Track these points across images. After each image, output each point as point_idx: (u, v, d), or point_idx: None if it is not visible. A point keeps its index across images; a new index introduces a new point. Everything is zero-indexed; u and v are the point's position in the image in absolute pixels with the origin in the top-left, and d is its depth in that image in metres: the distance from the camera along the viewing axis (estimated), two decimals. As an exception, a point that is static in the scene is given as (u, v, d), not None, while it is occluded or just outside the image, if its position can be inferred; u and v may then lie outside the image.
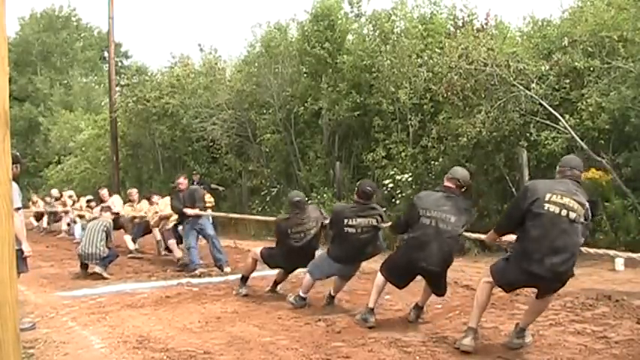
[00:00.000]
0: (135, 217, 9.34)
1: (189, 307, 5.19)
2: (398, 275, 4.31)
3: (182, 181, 7.61)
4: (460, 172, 4.32)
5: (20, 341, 1.91)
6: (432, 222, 4.03)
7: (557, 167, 3.66)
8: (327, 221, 5.24)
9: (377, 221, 4.76)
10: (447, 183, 4.25)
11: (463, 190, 4.27)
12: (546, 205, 3.35)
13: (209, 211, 8.25)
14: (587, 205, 3.41)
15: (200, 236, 7.32)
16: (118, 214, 9.36)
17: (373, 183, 5.26)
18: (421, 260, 4.04)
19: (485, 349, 3.74)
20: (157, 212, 8.59)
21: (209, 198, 11.59)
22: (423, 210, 4.09)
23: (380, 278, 4.39)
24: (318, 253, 5.27)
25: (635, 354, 3.53)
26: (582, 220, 3.39)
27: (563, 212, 3.34)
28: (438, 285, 4.32)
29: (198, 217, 7.24)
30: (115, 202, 10.21)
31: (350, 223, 4.72)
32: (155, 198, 9.06)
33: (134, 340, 4.05)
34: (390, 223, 4.77)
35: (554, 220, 3.34)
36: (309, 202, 10.83)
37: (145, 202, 9.58)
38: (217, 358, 3.68)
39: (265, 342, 3.99)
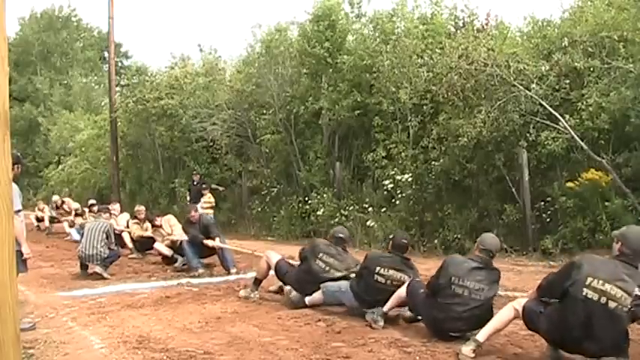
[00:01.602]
0: (142, 237, 9.11)
1: (189, 307, 5.19)
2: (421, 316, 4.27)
3: (194, 214, 7.57)
4: (489, 241, 4.15)
5: (20, 341, 1.91)
6: (465, 292, 3.91)
7: (617, 240, 3.33)
8: (353, 274, 5.02)
9: (409, 278, 4.52)
10: (479, 254, 4.09)
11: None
12: (584, 290, 3.18)
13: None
14: (636, 291, 3.13)
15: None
16: (122, 232, 9.16)
17: (407, 235, 4.97)
18: (446, 322, 3.94)
19: (485, 349, 3.73)
20: (165, 238, 8.46)
21: (209, 198, 11.63)
22: (455, 278, 3.95)
23: (403, 292, 4.33)
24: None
25: (635, 354, 3.53)
26: (626, 308, 3.12)
27: (602, 300, 3.13)
28: None
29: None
30: (122, 220, 10.03)
31: (382, 272, 4.56)
32: (158, 220, 8.96)
33: (134, 340, 4.04)
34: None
35: (591, 307, 3.15)
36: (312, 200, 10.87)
37: (148, 224, 9.40)
38: (217, 358, 3.68)
39: (265, 342, 3.99)
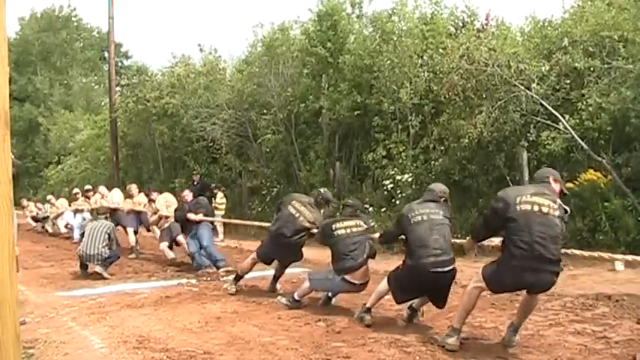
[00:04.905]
0: (132, 210, 9.47)
1: (189, 307, 5.19)
2: (403, 288, 4.21)
3: (186, 194, 7.72)
4: (439, 185, 4.52)
5: (20, 341, 1.91)
6: (424, 217, 4.15)
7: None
8: (315, 230, 5.27)
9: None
10: (427, 196, 4.39)
11: (444, 200, 4.41)
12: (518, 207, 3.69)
13: (217, 216, 8.18)
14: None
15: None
16: (116, 209, 9.43)
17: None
18: (430, 257, 3.98)
19: (486, 349, 3.74)
20: (155, 212, 8.60)
21: (221, 198, 11.64)
22: (411, 213, 4.20)
23: (384, 286, 4.36)
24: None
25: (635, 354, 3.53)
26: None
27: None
28: (441, 296, 4.22)
29: (198, 224, 7.22)
30: (115, 195, 10.29)
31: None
32: (154, 195, 9.10)
33: (134, 340, 4.05)
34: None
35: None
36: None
37: (142, 195, 9.68)
38: (217, 358, 3.68)
39: (265, 342, 3.99)
